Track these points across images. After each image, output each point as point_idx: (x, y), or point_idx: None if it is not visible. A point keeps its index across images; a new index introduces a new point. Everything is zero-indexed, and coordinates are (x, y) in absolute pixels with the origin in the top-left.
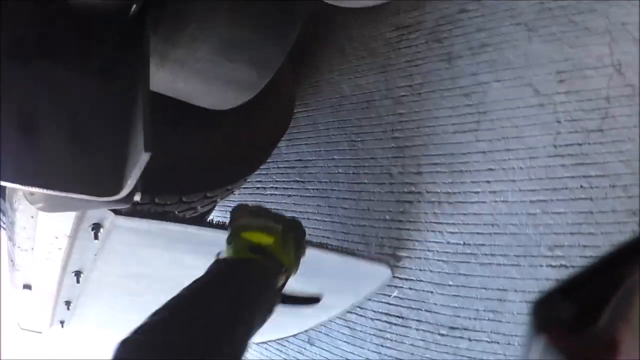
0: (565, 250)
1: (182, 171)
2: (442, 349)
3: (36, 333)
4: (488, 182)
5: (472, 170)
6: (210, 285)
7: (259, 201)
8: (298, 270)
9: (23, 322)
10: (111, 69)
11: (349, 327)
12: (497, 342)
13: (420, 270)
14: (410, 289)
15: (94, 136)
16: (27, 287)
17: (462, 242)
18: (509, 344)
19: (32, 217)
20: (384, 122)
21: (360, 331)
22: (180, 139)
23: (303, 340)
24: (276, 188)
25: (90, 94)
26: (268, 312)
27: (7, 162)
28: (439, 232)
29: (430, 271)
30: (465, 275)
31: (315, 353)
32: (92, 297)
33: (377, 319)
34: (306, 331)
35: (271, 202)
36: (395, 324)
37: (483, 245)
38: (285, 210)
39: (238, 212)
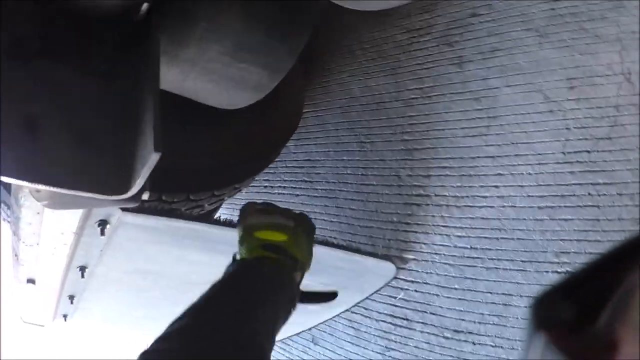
0: (572, 256)
1: (190, 169)
2: (446, 352)
3: (38, 326)
4: (496, 186)
5: (480, 174)
6: (223, 288)
7: (267, 200)
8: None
9: (25, 316)
10: (112, 69)
11: (353, 327)
12: (501, 347)
13: (427, 272)
14: (416, 291)
15: (96, 135)
16: (30, 281)
17: (469, 246)
18: (513, 348)
19: (38, 213)
20: (394, 125)
21: (365, 332)
22: (189, 138)
23: (307, 340)
24: (284, 187)
25: (91, 93)
26: (289, 308)
27: (12, 158)
28: (446, 235)
29: (437, 274)
30: (471, 279)
31: (319, 353)
32: (97, 292)
33: (382, 320)
34: (310, 330)
35: (279, 201)
36: (400, 326)
37: (490, 249)
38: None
39: (247, 210)
